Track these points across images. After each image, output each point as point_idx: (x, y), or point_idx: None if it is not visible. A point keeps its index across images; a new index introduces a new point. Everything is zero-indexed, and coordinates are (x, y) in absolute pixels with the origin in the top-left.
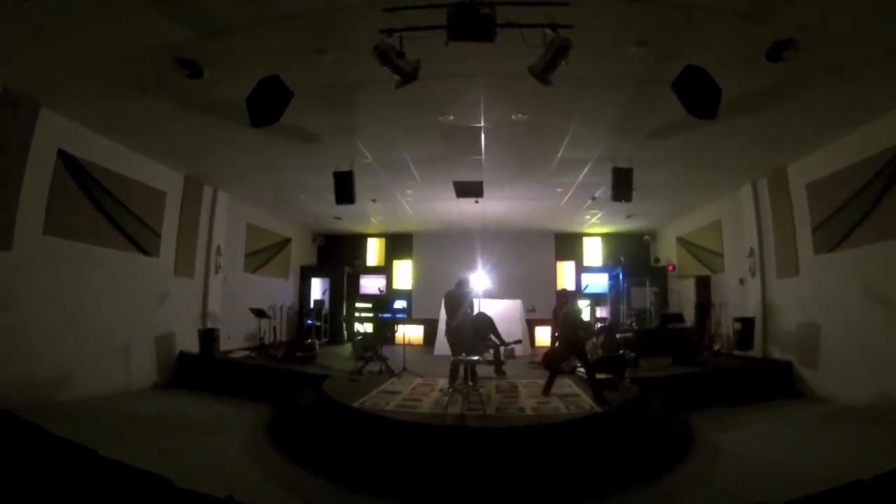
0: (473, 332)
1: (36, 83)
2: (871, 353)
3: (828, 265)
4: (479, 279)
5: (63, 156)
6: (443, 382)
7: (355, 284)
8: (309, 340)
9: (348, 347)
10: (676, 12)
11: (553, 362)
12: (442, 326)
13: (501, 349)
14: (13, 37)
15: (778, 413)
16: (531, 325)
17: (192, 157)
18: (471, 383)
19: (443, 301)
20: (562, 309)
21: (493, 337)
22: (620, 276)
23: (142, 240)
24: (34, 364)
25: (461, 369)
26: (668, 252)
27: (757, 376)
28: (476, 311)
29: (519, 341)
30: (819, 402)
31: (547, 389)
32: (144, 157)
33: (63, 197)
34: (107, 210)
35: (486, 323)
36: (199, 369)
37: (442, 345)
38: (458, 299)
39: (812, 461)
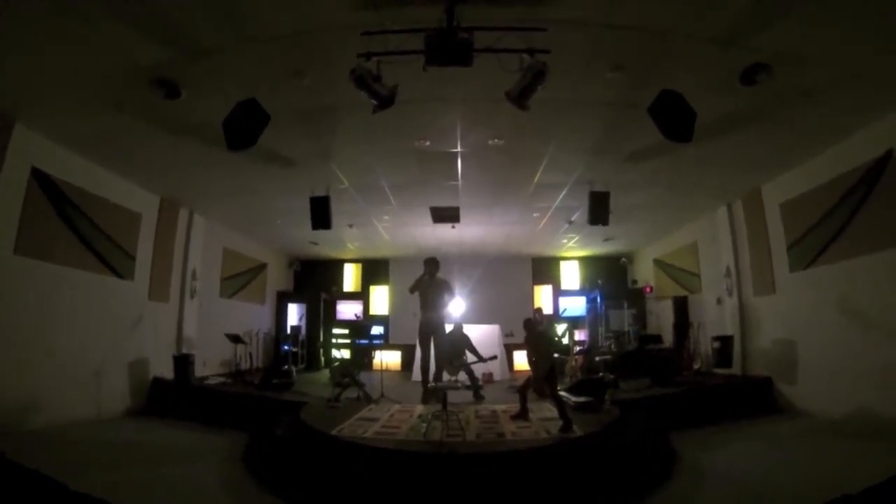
0: (450, 346)
1: (10, 98)
2: (848, 366)
3: (803, 282)
4: (457, 304)
5: (37, 174)
6: (421, 409)
7: (332, 310)
8: (286, 367)
9: (325, 374)
10: (647, 35)
11: (523, 388)
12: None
13: (479, 376)
14: None
15: (760, 429)
16: (509, 349)
17: (169, 178)
18: (448, 410)
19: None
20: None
21: (469, 353)
22: (598, 299)
23: (116, 262)
24: (0, 389)
25: (439, 395)
26: (645, 274)
27: (737, 394)
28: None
29: (495, 357)
30: (799, 417)
31: (520, 415)
32: (120, 177)
33: (36, 216)
34: (80, 231)
35: (462, 340)
36: (174, 396)
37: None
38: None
39: (797, 477)
